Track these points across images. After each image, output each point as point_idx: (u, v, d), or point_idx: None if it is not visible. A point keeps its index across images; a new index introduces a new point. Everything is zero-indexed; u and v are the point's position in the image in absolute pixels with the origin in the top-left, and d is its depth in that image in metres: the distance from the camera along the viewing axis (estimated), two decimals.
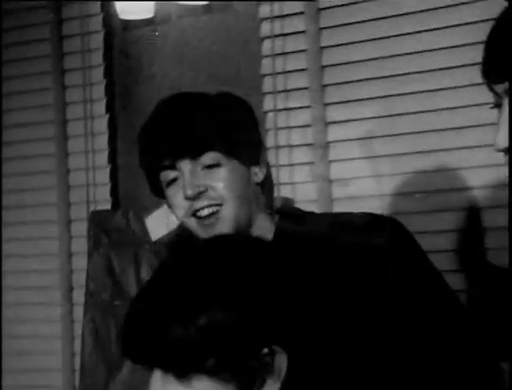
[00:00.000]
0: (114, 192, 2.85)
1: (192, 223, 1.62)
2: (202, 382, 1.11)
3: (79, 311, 2.78)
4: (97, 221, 2.68)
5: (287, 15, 2.50)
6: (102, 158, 2.84)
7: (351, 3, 2.40)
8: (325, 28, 2.45)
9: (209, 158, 1.58)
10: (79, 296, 2.82)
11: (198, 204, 1.59)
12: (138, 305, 1.17)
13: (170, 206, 1.67)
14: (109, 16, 2.82)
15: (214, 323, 1.10)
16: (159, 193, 1.67)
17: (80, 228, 2.82)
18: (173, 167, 1.61)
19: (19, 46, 2.99)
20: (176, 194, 1.61)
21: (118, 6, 2.65)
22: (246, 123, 1.65)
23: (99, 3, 2.81)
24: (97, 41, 2.84)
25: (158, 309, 1.13)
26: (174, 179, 1.62)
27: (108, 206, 2.82)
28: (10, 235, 3.00)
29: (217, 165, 1.58)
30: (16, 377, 2.98)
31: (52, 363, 2.92)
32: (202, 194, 1.58)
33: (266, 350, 1.12)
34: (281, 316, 1.15)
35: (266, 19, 2.52)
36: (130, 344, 1.15)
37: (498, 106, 1.22)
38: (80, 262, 2.79)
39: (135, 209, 2.65)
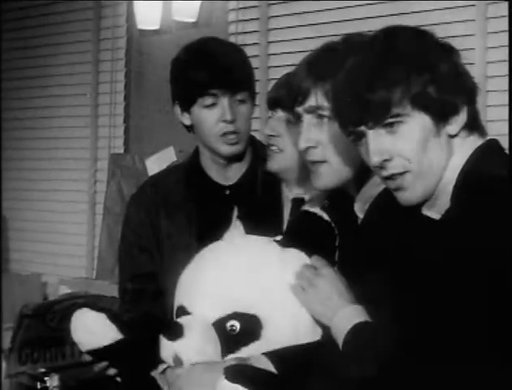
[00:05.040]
0: (126, 141, 4.28)
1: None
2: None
3: (99, 219, 4.23)
4: (114, 160, 4.08)
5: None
6: (120, 120, 4.27)
7: None
8: None
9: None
10: (99, 209, 4.28)
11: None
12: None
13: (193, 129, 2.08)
14: (130, 26, 4.23)
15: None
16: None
17: (103, 164, 4.27)
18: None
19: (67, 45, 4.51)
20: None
21: (137, 18, 4.05)
22: None
23: (125, 17, 4.23)
24: (122, 42, 4.28)
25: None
26: (213, 104, 2.01)
27: (122, 151, 4.25)
28: (54, 166, 4.50)
29: None
30: (56, 259, 4.47)
31: (79, 251, 4.39)
32: None
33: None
34: None
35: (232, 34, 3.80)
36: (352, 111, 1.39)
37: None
38: (102, 186, 4.24)
39: (140, 154, 4.08)
